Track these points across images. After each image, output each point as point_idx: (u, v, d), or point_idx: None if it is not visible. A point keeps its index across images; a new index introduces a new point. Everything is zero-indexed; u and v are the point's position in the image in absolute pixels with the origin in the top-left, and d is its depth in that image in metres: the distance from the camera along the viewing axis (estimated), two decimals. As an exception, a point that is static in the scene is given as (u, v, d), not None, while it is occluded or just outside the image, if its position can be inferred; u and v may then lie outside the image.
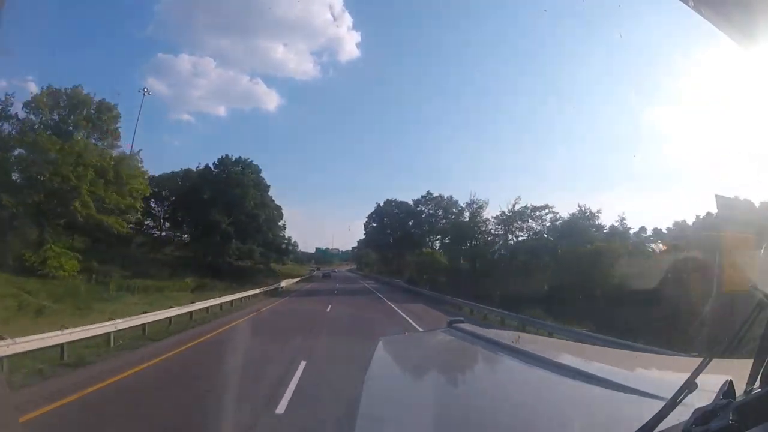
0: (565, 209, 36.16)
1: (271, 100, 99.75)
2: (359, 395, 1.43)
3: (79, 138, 23.50)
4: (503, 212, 37.33)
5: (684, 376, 0.83)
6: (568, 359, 1.77)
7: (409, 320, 16.61)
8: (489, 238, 39.66)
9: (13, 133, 22.38)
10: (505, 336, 2.38)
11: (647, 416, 0.79)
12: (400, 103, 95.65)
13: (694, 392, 0.81)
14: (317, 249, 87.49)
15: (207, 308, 17.08)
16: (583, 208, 32.16)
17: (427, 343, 2.58)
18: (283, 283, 34.69)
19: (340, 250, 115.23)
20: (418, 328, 13.42)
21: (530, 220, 36.52)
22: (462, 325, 2.57)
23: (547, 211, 35.54)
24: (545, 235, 34.80)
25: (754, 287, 0.93)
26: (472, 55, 79.16)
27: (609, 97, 65.95)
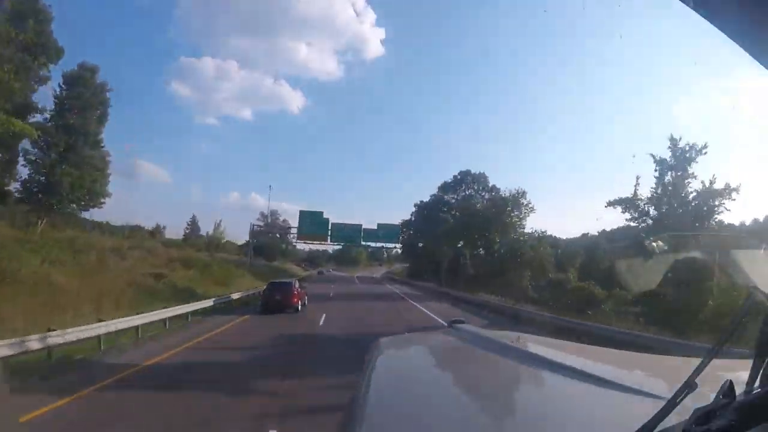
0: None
1: (296, 101, 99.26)
2: (358, 395, 1.43)
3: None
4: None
5: (684, 376, 0.83)
6: (568, 359, 1.77)
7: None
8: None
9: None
10: (506, 336, 2.38)
11: (647, 416, 0.79)
12: (425, 100, 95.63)
13: (694, 392, 0.81)
14: (301, 213, 44.40)
15: None
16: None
17: (428, 344, 2.58)
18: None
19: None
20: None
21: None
22: (462, 326, 2.58)
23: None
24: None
25: (754, 287, 0.93)
26: (498, 49, 79.55)
27: (610, 96, 66.36)
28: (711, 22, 1.00)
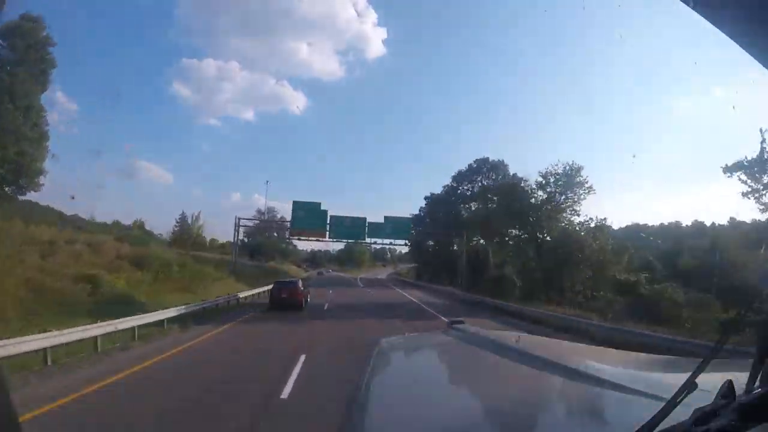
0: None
1: (298, 102, 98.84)
2: (358, 396, 1.43)
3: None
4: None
5: (684, 376, 0.83)
6: (568, 359, 1.77)
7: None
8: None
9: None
10: (505, 336, 2.38)
11: (647, 416, 0.79)
12: (427, 99, 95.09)
13: (694, 392, 0.81)
14: (294, 205, 37.18)
15: None
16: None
17: (428, 344, 2.58)
18: None
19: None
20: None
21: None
22: (462, 326, 2.57)
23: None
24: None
25: (755, 286, 0.93)
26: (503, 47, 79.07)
27: (610, 96, 66.37)
28: (711, 22, 1.00)
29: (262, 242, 59.29)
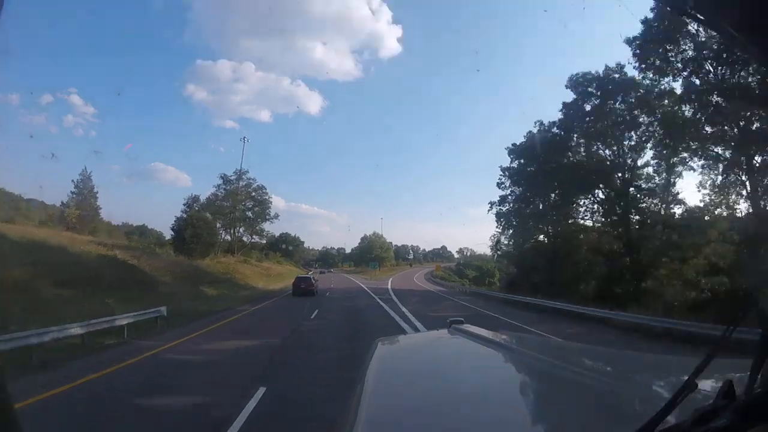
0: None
1: (314, 101, 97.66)
2: (356, 396, 1.43)
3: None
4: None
5: (684, 376, 0.83)
6: (568, 359, 1.77)
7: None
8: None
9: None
10: (506, 336, 2.38)
11: (647, 416, 0.79)
12: (443, 99, 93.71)
13: (694, 392, 0.81)
14: None
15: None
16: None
17: (427, 344, 2.58)
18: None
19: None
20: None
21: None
22: (462, 326, 2.57)
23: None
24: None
25: (753, 286, 0.93)
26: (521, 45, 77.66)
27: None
28: (709, 25, 1.00)
29: (195, 224, 37.01)
